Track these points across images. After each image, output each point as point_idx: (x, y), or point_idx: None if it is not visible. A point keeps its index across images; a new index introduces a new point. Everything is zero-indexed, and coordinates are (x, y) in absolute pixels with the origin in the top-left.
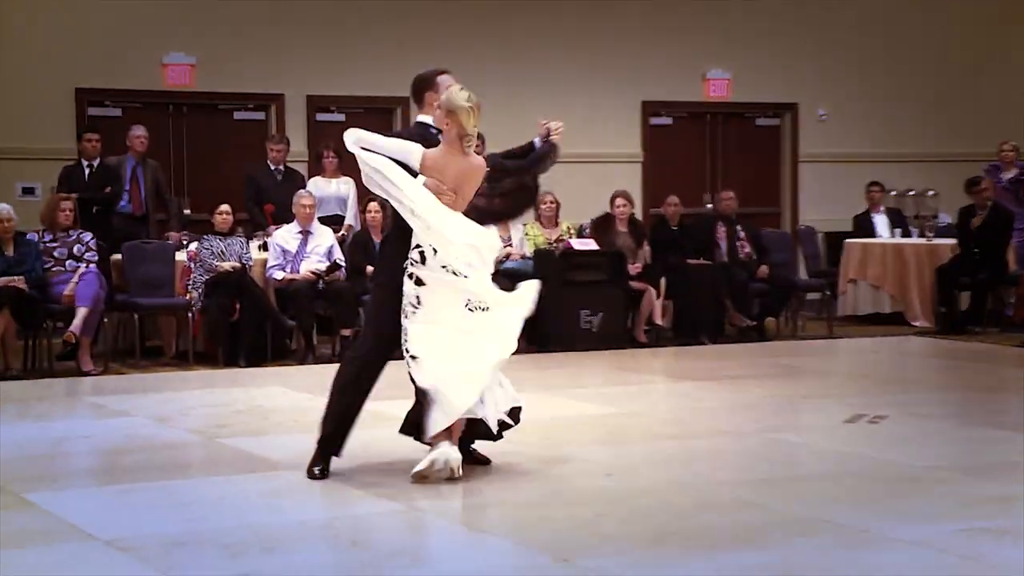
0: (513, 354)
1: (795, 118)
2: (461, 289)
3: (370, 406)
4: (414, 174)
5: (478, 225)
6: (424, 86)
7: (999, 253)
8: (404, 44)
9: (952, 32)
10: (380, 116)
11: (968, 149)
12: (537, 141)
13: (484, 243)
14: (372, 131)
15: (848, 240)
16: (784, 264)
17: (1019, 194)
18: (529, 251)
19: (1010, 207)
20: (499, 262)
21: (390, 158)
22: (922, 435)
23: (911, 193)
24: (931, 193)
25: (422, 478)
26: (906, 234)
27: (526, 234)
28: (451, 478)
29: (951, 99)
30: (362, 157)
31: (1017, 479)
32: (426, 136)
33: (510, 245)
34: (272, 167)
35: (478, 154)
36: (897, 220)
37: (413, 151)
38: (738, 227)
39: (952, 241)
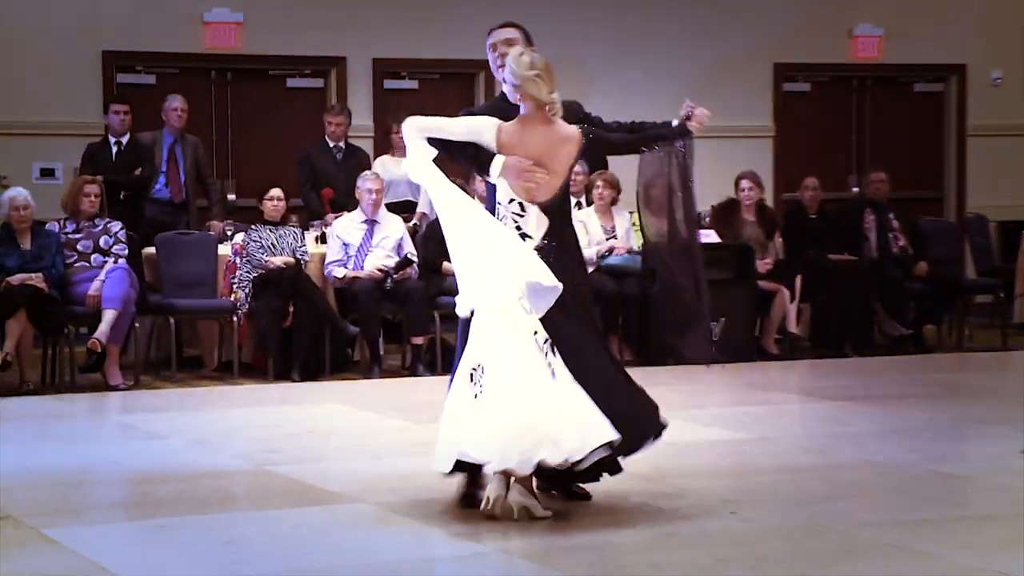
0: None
1: (962, 83)
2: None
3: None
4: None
5: (524, 258)
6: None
7: None
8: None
9: None
10: (460, 83)
11: None
12: (674, 122)
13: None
14: (448, 107)
15: None
16: (948, 260)
17: None
18: (637, 245)
19: None
20: (601, 257)
21: (461, 146)
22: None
23: None
24: None
25: (489, 517)
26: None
27: (633, 224)
28: (523, 517)
29: None
30: (410, 162)
31: None
32: (505, 109)
33: (614, 237)
34: (331, 144)
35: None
36: None
37: (484, 130)
38: (891, 215)
39: None
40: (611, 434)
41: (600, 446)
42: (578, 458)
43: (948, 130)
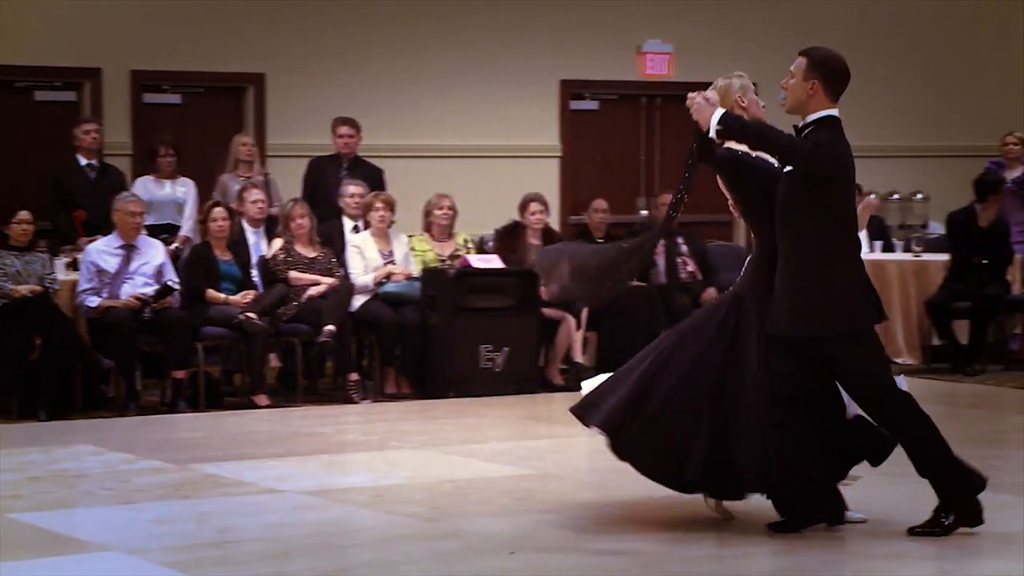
0: (394, 400)
1: None
2: None
3: None
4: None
5: None
6: None
7: (999, 271)
8: (258, 7)
9: (946, 4)
10: (228, 97)
11: (964, 143)
12: None
13: None
14: (214, 123)
15: None
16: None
17: None
18: (416, 270)
19: (1017, 213)
20: (378, 284)
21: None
22: (901, 498)
23: (895, 197)
24: (919, 196)
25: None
26: (888, 248)
27: (412, 248)
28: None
29: (944, 83)
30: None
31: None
32: None
33: (392, 262)
34: (84, 161)
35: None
36: (878, 230)
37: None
38: (680, 240)
39: (945, 257)
40: None
41: None
42: None
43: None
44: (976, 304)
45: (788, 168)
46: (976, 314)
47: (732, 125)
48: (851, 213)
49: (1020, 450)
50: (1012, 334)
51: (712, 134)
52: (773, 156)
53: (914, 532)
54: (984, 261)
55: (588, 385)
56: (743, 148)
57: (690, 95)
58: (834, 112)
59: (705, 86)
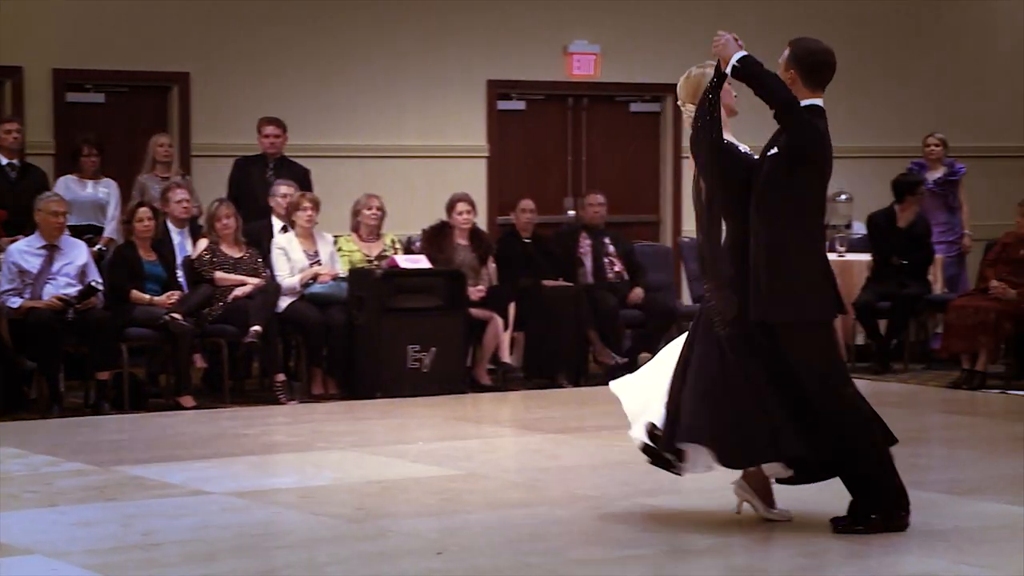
0: (321, 400)
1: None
2: None
3: None
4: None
5: None
6: None
7: (920, 271)
8: (183, 5)
9: (869, 4)
10: (153, 97)
11: (888, 143)
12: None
13: None
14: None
15: None
16: (663, 287)
17: (948, 199)
18: (343, 270)
19: (939, 214)
20: (305, 285)
21: None
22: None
23: None
24: (843, 197)
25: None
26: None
27: (339, 249)
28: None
29: (867, 84)
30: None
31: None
32: None
33: (318, 263)
34: (4, 160)
35: None
36: None
37: None
38: (607, 240)
39: (868, 257)
40: None
41: None
42: None
43: (664, 152)
44: (897, 304)
45: (772, 151)
46: (897, 314)
47: (749, 67)
48: (823, 203)
49: (943, 448)
50: (934, 333)
51: (728, 71)
52: (773, 107)
53: (838, 528)
54: (904, 262)
55: (621, 389)
56: (731, 139)
57: (719, 32)
58: (816, 102)
59: (632, 86)
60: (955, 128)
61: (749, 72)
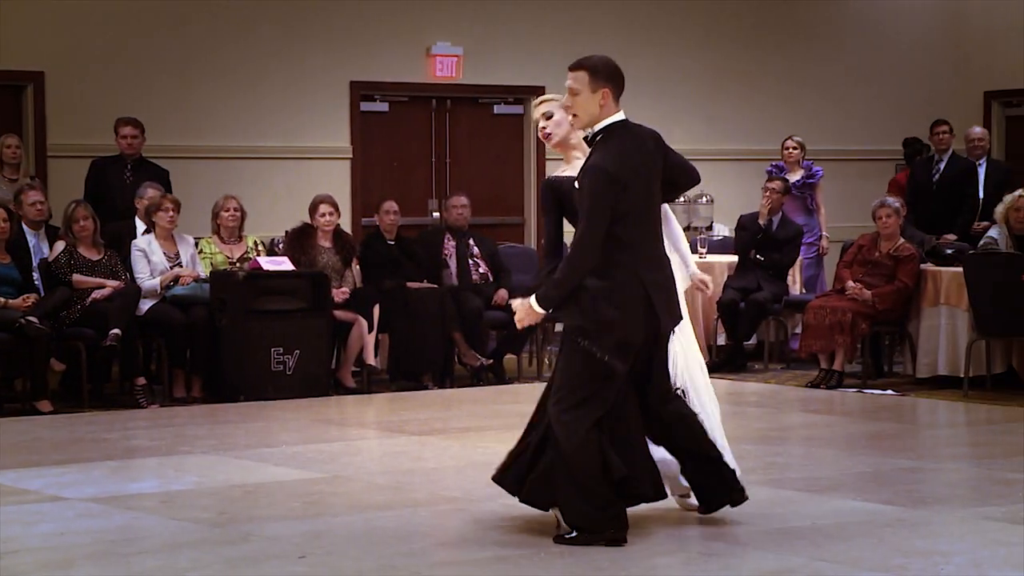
0: (183, 404)
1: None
2: None
3: None
4: None
5: None
6: None
7: (781, 272)
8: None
9: (726, 8)
10: (5, 96)
11: (748, 146)
12: None
13: None
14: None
15: None
16: (528, 288)
17: (807, 201)
18: (205, 272)
19: (797, 216)
20: (166, 287)
21: None
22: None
23: (681, 200)
24: (704, 200)
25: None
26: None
27: (201, 251)
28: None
29: (726, 88)
30: None
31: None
32: None
33: (178, 264)
34: None
35: None
36: None
37: None
38: (471, 241)
39: (733, 258)
40: None
41: None
42: None
43: (528, 154)
44: (756, 304)
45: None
46: (753, 313)
47: (549, 300)
48: (653, 211)
49: (801, 446)
50: (793, 333)
51: (546, 311)
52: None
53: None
54: (760, 257)
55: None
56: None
57: (518, 319)
58: (621, 116)
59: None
60: (813, 131)
61: (550, 301)
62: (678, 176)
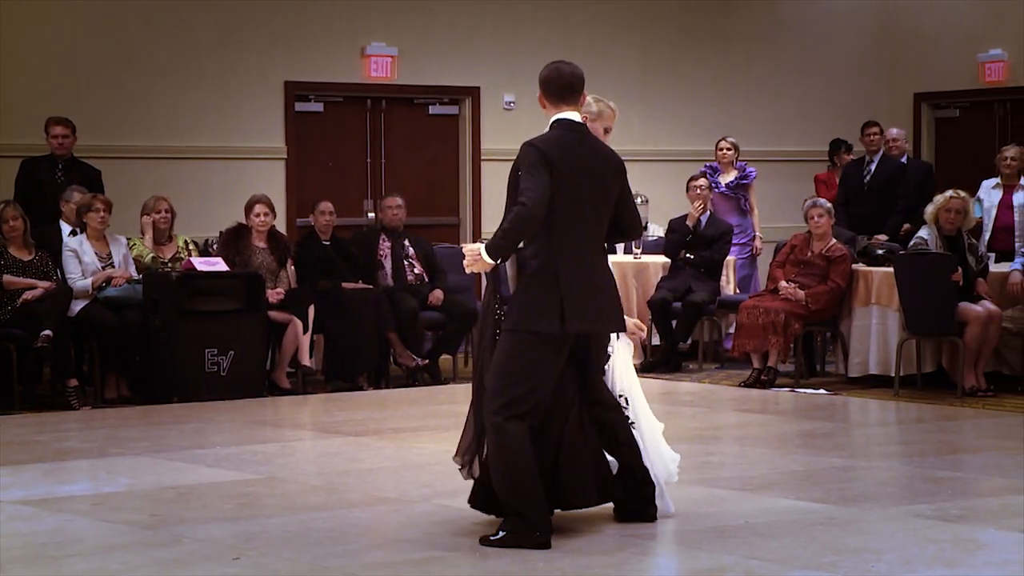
0: (115, 405)
1: (476, 106)
2: None
3: None
4: None
5: None
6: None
7: (713, 272)
8: None
9: (662, 7)
10: None
11: (681, 147)
12: None
13: None
14: None
15: None
16: (463, 288)
17: (740, 201)
18: (136, 273)
19: (731, 216)
20: (98, 288)
21: None
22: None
23: None
24: (639, 200)
25: None
26: (610, 249)
27: (132, 247)
28: None
29: (660, 88)
30: None
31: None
32: None
33: (111, 265)
34: None
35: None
36: None
37: None
38: (407, 242)
39: (663, 259)
40: None
41: None
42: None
43: (464, 154)
44: (689, 304)
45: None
46: (689, 314)
47: (497, 249)
48: (585, 211)
49: (735, 446)
50: (726, 333)
51: (493, 261)
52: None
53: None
54: (689, 256)
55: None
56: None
57: (466, 262)
58: (563, 115)
59: (430, 88)
60: (746, 132)
61: (499, 250)
62: (629, 221)
